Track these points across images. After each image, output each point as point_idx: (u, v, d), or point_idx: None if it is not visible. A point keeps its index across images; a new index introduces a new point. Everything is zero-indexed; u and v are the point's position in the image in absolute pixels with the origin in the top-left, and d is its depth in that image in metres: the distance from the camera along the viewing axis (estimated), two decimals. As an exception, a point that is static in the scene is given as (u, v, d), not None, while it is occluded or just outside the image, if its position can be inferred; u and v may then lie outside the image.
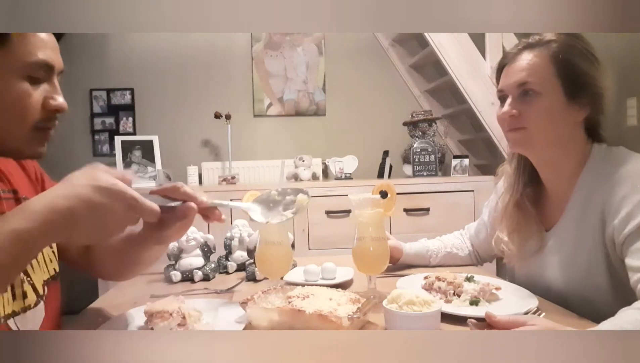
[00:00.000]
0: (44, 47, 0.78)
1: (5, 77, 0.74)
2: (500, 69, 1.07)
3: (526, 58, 1.00)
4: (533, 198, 1.11)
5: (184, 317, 0.83)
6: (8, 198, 0.85)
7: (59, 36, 0.85)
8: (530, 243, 1.09)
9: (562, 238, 1.03)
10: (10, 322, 0.79)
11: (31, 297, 0.84)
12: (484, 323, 0.75)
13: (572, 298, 0.99)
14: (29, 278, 0.84)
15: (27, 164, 0.96)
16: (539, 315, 0.86)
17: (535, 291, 1.01)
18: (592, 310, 0.88)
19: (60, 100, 0.80)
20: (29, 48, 0.76)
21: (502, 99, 1.04)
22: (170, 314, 0.82)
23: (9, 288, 0.78)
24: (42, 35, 0.78)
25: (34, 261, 0.86)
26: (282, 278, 1.12)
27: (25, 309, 0.82)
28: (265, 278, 1.21)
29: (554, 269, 1.05)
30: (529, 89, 0.98)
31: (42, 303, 0.87)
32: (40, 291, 0.87)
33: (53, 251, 0.95)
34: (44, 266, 0.90)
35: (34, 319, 0.85)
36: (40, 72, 0.78)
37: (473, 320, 0.77)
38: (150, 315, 0.83)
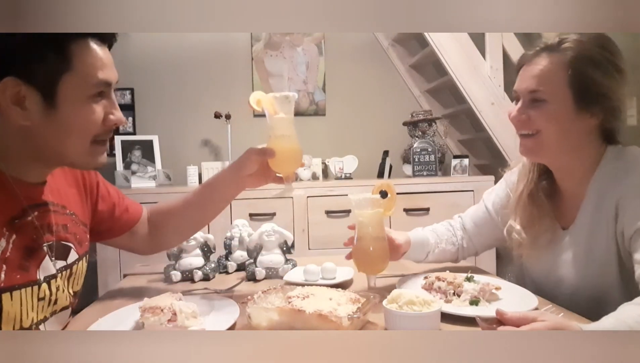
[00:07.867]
0: (103, 66, 0.82)
1: (70, 99, 0.79)
2: (519, 68, 1.06)
3: (541, 63, 0.99)
4: (548, 191, 1.11)
5: (174, 313, 0.84)
6: (57, 211, 0.91)
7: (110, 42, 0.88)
8: (544, 237, 1.09)
9: (577, 236, 1.04)
10: (41, 327, 0.85)
11: (60, 303, 0.90)
12: (493, 319, 0.75)
13: (583, 295, 1.00)
14: (64, 286, 0.91)
15: (78, 176, 1.01)
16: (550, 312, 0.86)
17: (545, 287, 1.01)
18: (602, 307, 0.87)
19: (118, 114, 0.86)
20: (90, 70, 0.80)
21: (517, 99, 1.05)
22: (162, 310, 0.83)
23: (45, 295, 0.85)
24: (100, 53, 0.82)
25: (74, 272, 0.95)
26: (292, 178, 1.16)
27: (52, 313, 0.89)
28: (266, 279, 1.21)
29: (567, 266, 1.05)
30: (538, 97, 0.99)
31: (69, 309, 0.94)
32: (71, 300, 0.94)
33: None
34: (80, 278, 0.98)
35: (60, 323, 0.92)
36: (101, 90, 0.83)
37: (482, 317, 0.77)
38: (143, 311, 0.85)
